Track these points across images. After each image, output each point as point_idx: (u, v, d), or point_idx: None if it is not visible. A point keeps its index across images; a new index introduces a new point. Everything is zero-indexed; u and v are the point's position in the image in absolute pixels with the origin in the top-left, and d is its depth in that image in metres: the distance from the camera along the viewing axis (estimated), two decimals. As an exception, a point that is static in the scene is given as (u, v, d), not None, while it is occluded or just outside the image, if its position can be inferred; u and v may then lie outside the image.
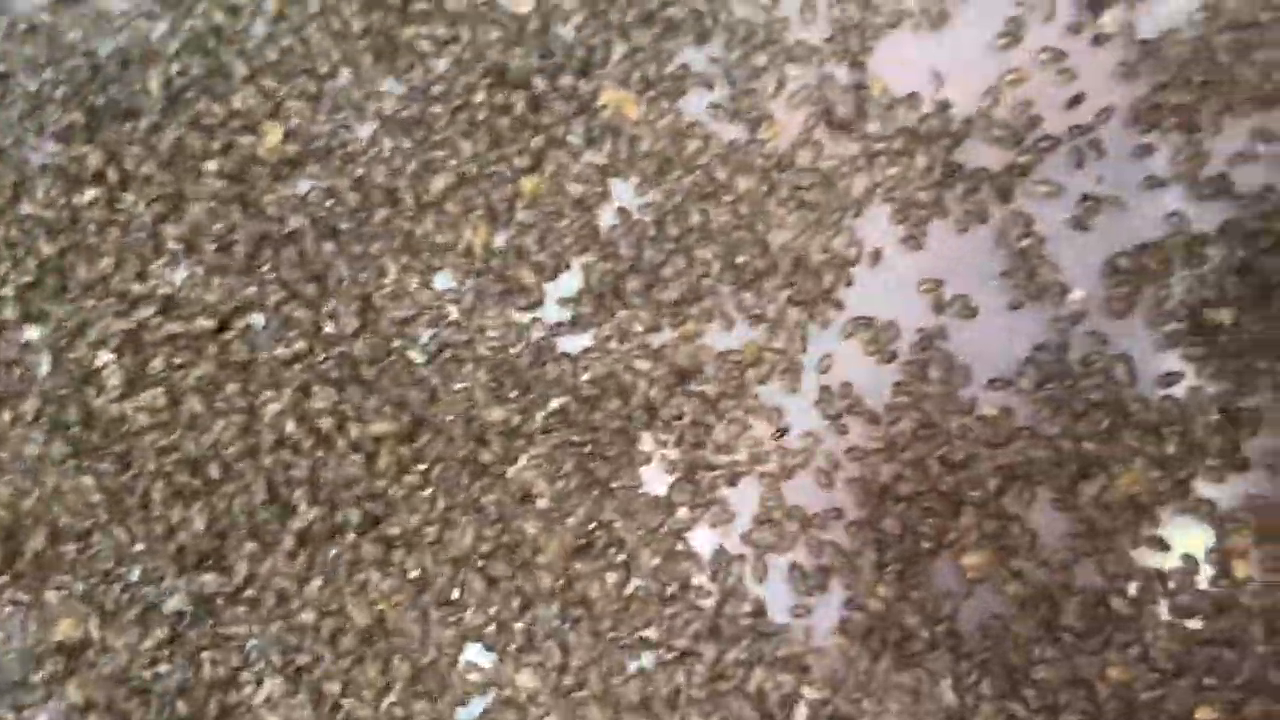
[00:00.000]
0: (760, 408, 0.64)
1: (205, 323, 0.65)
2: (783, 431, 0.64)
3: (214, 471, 0.64)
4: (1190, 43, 0.65)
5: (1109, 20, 0.66)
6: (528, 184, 0.67)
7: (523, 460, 0.64)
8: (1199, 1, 0.66)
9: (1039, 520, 0.62)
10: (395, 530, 0.63)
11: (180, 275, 0.67)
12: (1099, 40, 0.66)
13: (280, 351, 0.65)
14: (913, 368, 0.64)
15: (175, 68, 0.68)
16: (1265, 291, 0.63)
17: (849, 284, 0.65)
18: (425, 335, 0.66)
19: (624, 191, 0.67)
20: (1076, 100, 0.65)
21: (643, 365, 0.65)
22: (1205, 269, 0.63)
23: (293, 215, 0.67)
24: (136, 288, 0.66)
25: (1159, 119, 0.65)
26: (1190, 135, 0.65)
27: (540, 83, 0.67)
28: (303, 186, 0.67)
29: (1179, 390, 0.63)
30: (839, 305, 0.65)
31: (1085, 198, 0.65)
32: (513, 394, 0.65)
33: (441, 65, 0.68)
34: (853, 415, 0.64)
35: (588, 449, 0.64)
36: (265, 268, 0.66)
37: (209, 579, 0.63)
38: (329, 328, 0.66)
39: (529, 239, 0.66)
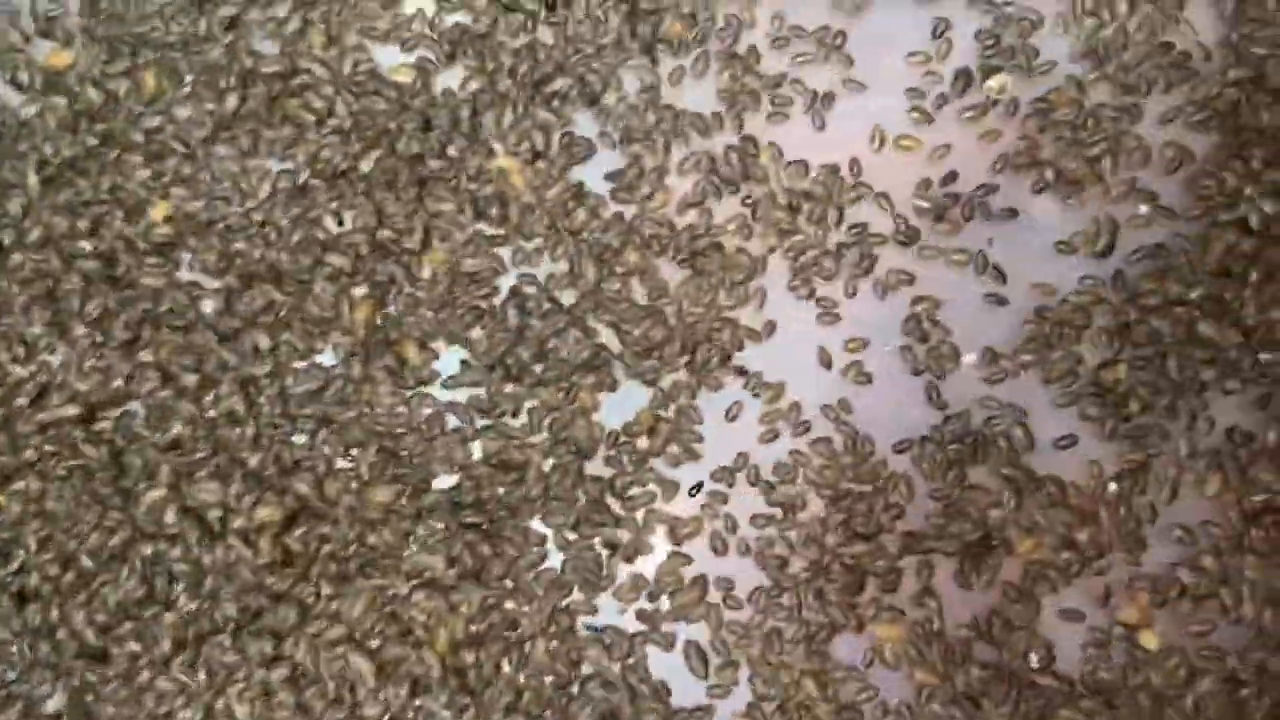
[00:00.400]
0: (659, 480, 0.63)
1: (74, 410, 0.63)
2: (698, 486, 0.63)
3: (90, 564, 0.62)
4: (1078, 103, 0.65)
5: (995, 85, 0.65)
6: (433, 256, 0.65)
7: (413, 542, 0.62)
8: (1087, 63, 0.65)
9: (945, 590, 0.61)
10: (280, 622, 0.61)
11: (56, 360, 0.64)
12: (989, 103, 0.65)
13: (157, 438, 0.63)
14: (813, 440, 0.63)
15: (49, 148, 0.66)
16: (1157, 350, 0.62)
17: (740, 348, 0.64)
18: (308, 414, 0.64)
19: (514, 261, 0.65)
20: (952, 176, 0.65)
21: (535, 440, 0.63)
22: (1098, 328, 0.63)
23: (170, 295, 0.65)
24: (18, 370, 0.64)
25: (1048, 179, 0.64)
26: (1080, 195, 0.64)
27: (426, 154, 0.66)
28: (180, 265, 0.65)
29: (1077, 457, 0.62)
30: (741, 371, 0.64)
31: (981, 260, 0.64)
32: (401, 473, 0.63)
33: (324, 138, 0.66)
34: (752, 485, 0.63)
35: (482, 526, 0.63)
36: (143, 351, 0.64)
37: (87, 673, 0.61)
38: (210, 411, 0.64)
39: (416, 313, 0.65)
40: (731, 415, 0.64)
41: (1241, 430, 0.61)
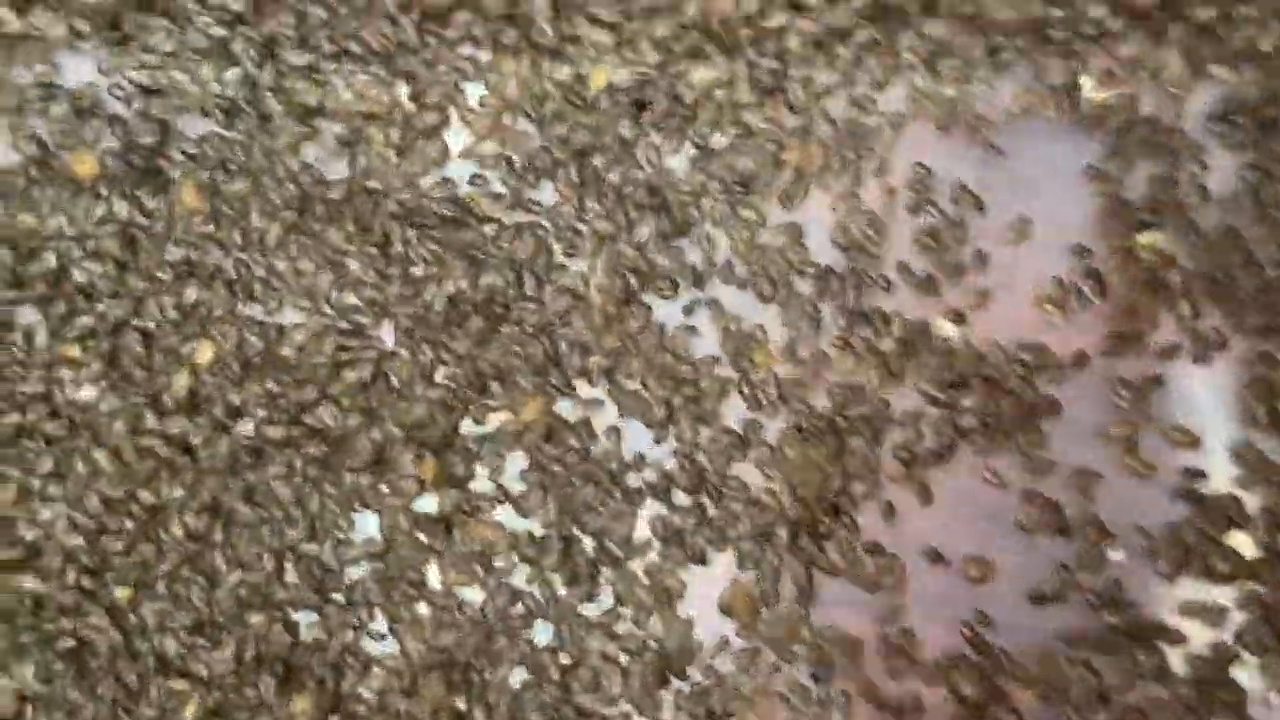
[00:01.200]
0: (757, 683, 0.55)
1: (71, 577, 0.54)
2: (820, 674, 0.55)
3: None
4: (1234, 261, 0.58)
5: (1146, 241, 0.57)
6: (511, 409, 0.56)
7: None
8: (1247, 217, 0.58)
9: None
10: None
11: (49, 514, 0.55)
12: (1140, 260, 0.58)
13: (177, 619, 0.54)
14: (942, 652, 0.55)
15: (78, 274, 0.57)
16: None
17: (856, 529, 0.56)
18: (351, 591, 0.55)
19: (604, 416, 0.57)
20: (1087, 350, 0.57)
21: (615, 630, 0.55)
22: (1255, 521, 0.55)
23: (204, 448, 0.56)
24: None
25: (1210, 342, 0.57)
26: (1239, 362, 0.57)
27: (501, 291, 0.57)
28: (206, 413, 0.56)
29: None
30: (874, 549, 0.56)
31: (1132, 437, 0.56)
32: (465, 675, 0.54)
33: (386, 269, 0.57)
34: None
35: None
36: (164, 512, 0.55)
37: None
38: (239, 587, 0.54)
39: (483, 477, 0.56)
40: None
41: None
